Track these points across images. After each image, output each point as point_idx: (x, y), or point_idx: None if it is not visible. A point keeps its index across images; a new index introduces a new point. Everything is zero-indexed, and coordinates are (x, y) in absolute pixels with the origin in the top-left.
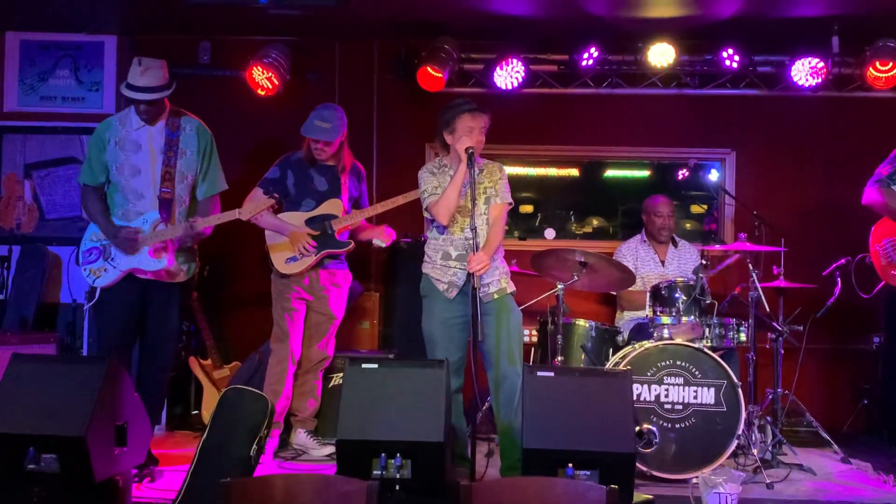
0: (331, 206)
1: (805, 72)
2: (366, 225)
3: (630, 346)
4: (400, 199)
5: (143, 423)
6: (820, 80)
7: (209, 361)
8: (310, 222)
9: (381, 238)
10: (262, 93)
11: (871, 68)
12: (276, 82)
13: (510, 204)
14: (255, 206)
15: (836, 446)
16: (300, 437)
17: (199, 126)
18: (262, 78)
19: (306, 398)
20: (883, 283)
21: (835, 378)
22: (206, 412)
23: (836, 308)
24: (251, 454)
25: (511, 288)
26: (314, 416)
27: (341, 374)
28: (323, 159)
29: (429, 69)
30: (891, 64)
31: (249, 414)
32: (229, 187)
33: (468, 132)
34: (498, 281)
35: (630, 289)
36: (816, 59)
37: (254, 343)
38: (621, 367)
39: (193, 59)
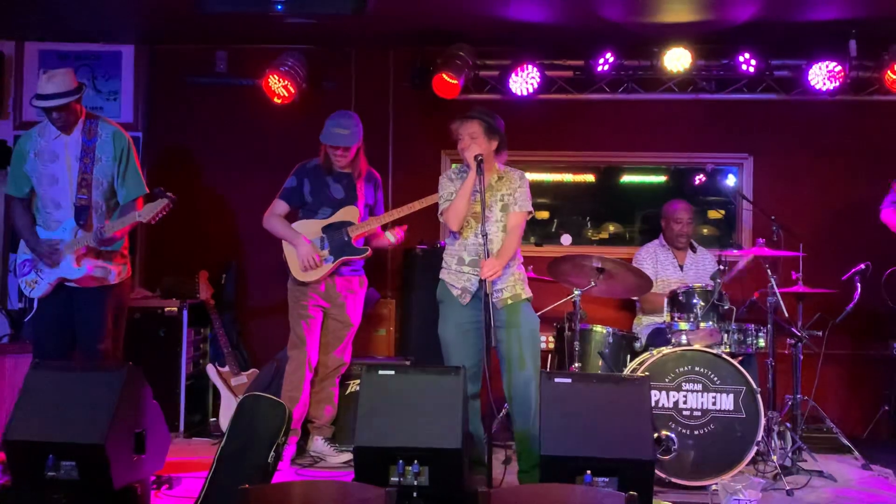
0: (347, 213)
1: (822, 76)
2: (382, 231)
3: (648, 353)
4: (416, 206)
5: (161, 430)
6: (837, 83)
7: (227, 369)
8: (326, 230)
9: (392, 233)
10: (279, 101)
11: (889, 72)
12: (293, 90)
13: (530, 213)
14: (153, 207)
15: (856, 452)
16: (317, 443)
17: (116, 132)
18: (279, 86)
19: (323, 405)
20: None
21: (855, 384)
22: (224, 419)
23: (856, 313)
24: (269, 461)
25: (527, 294)
26: (331, 423)
27: (358, 381)
28: (341, 166)
29: (444, 76)
30: None
31: (267, 421)
32: (246, 195)
33: (459, 140)
34: (512, 287)
35: (651, 291)
36: (834, 63)
37: (271, 350)
38: (639, 373)
39: (210, 69)
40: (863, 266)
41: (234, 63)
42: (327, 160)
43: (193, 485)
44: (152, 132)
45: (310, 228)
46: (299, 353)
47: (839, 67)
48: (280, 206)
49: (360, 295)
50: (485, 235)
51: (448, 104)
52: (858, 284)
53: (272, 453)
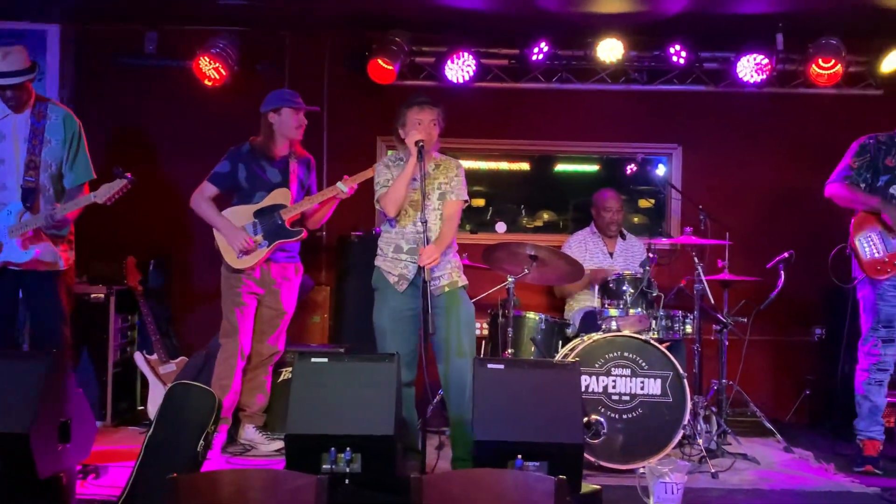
0: (279, 196)
1: (750, 68)
2: (317, 208)
3: (579, 338)
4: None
5: (87, 418)
6: (765, 76)
7: (155, 357)
8: (258, 214)
9: (345, 182)
10: (210, 84)
11: (814, 65)
12: (224, 73)
13: (466, 202)
14: (110, 188)
15: (779, 436)
16: (249, 432)
17: (67, 115)
18: (210, 68)
19: (255, 393)
20: (862, 274)
21: (778, 369)
22: (153, 408)
23: (779, 300)
24: (198, 450)
25: (463, 281)
26: (263, 411)
27: (291, 369)
28: (299, 136)
29: (380, 62)
30: (833, 61)
31: (196, 409)
32: (177, 179)
33: (416, 125)
34: (449, 274)
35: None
36: (761, 56)
37: (202, 338)
38: (570, 359)
39: (139, 50)
40: (786, 254)
41: (164, 44)
42: (267, 140)
43: (121, 474)
44: (78, 114)
45: (241, 214)
46: (232, 341)
47: (766, 60)
48: (209, 189)
49: (294, 282)
50: (424, 223)
51: (384, 90)
52: (782, 272)
53: (201, 442)
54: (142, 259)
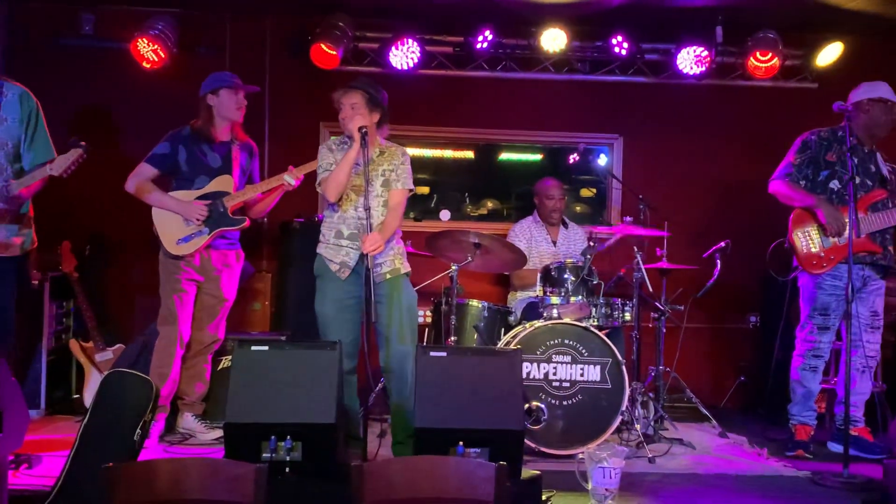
0: (221, 183)
1: (690, 60)
2: (260, 197)
3: (521, 326)
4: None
5: (19, 407)
6: (704, 68)
7: (91, 344)
8: (201, 200)
9: (291, 175)
10: (148, 66)
11: (752, 58)
12: (163, 55)
13: (411, 190)
14: (66, 159)
15: (714, 421)
16: (187, 420)
17: (24, 93)
18: (148, 50)
19: (194, 381)
20: (799, 268)
21: (713, 355)
22: (88, 396)
23: (716, 288)
24: (135, 439)
25: (406, 269)
26: (203, 400)
27: (231, 357)
28: (238, 117)
29: (322, 46)
30: (770, 54)
31: (133, 398)
32: (114, 163)
33: (348, 110)
34: (392, 261)
35: (522, 268)
36: (701, 48)
37: (140, 326)
38: (512, 346)
39: (76, 30)
40: (723, 244)
41: (101, 25)
42: (207, 124)
43: (55, 463)
44: None
45: (183, 199)
46: (170, 328)
47: (706, 53)
48: (148, 171)
49: (235, 269)
50: (367, 209)
51: (327, 75)
52: (718, 261)
53: (138, 430)
54: (78, 244)
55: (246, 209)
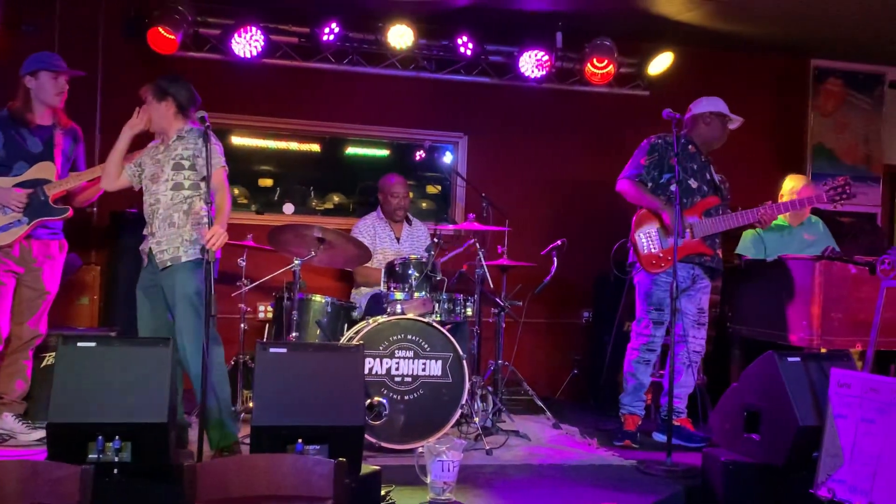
0: (42, 170)
1: (531, 64)
2: (86, 185)
3: (364, 321)
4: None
5: None
6: (544, 72)
7: None
8: (19, 188)
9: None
10: None
11: (589, 64)
12: None
13: (224, 167)
14: None
15: (548, 413)
16: (7, 420)
17: None
18: None
19: (14, 379)
20: (636, 266)
21: (549, 349)
22: None
23: (552, 285)
24: None
25: (188, 256)
26: (23, 399)
27: (55, 354)
28: (61, 100)
29: (160, 30)
30: (606, 61)
31: None
32: None
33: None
34: (174, 248)
35: (366, 265)
36: (542, 53)
37: None
38: (355, 341)
39: None
40: (559, 242)
41: None
42: (26, 107)
43: None
44: None
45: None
46: None
47: (546, 57)
48: None
49: (58, 260)
50: (154, 196)
51: (165, 60)
52: (555, 259)
53: None
54: None
55: (70, 198)
